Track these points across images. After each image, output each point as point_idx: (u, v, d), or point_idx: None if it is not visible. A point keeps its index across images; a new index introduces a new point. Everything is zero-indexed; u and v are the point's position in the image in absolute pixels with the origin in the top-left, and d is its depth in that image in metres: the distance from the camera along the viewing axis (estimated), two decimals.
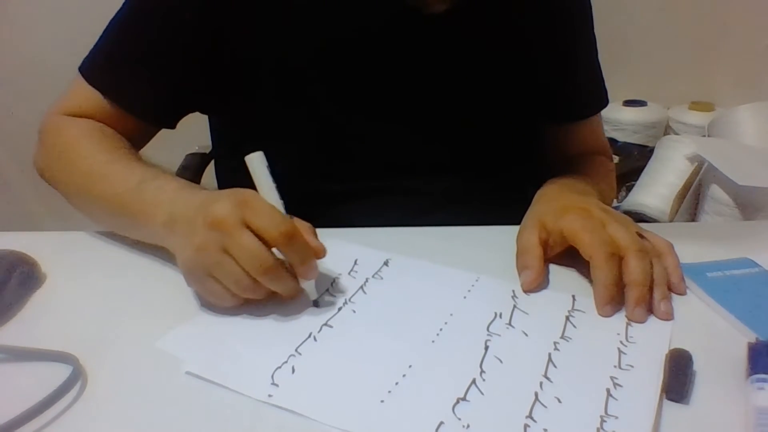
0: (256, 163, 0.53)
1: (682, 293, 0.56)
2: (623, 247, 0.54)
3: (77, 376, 0.44)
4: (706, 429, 0.41)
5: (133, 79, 0.69)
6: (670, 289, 0.55)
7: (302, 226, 0.53)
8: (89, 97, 0.69)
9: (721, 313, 0.53)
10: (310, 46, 0.68)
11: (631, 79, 1.85)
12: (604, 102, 0.86)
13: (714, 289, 0.55)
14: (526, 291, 0.56)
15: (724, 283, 0.56)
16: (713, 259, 0.59)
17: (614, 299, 0.53)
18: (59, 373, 0.44)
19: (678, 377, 0.44)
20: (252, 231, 0.49)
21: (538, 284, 0.56)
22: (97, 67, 0.69)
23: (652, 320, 0.52)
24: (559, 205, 0.62)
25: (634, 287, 0.52)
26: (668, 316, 0.52)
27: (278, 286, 0.51)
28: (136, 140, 0.72)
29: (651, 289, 0.53)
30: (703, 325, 0.52)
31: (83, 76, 0.69)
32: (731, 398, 0.43)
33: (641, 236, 0.57)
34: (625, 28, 1.76)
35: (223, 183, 0.87)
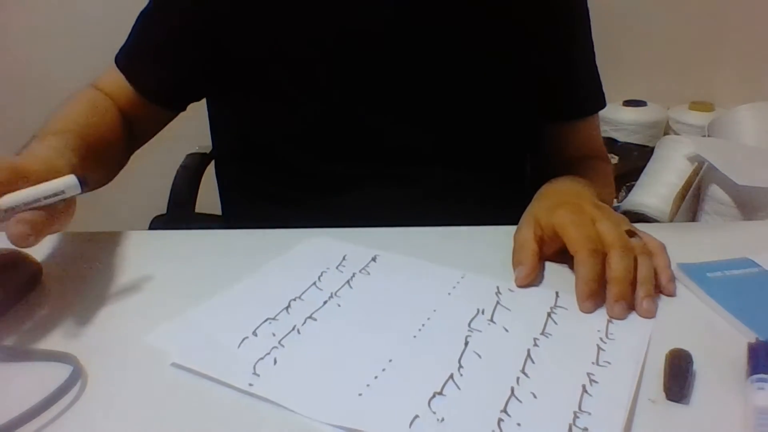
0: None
1: (671, 294, 0.55)
2: (608, 244, 0.54)
3: (77, 376, 0.44)
4: (706, 429, 0.41)
5: (150, 67, 0.76)
6: (660, 290, 0.55)
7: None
8: (115, 79, 0.77)
9: (721, 313, 0.53)
10: (313, 36, 0.70)
11: (631, 79, 1.85)
12: (601, 103, 0.87)
13: (714, 289, 0.55)
14: (520, 286, 0.56)
15: (724, 283, 0.56)
16: (713, 259, 0.59)
17: (594, 295, 0.53)
18: (59, 373, 0.44)
19: (678, 377, 0.44)
20: None
21: (531, 280, 0.57)
22: (124, 54, 0.78)
23: (634, 318, 0.52)
24: (554, 201, 0.63)
25: (614, 284, 0.53)
26: (649, 314, 0.52)
27: None
28: (149, 123, 0.79)
29: (635, 287, 0.53)
30: (703, 325, 0.52)
31: (115, 62, 0.77)
32: (731, 398, 0.43)
33: (634, 234, 0.57)
34: (625, 28, 1.76)
35: (224, 183, 0.88)
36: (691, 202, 1.49)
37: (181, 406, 0.43)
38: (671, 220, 1.51)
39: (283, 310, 0.52)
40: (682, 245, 0.58)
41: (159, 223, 1.04)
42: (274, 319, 0.51)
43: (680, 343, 0.47)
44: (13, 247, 0.58)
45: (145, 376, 0.45)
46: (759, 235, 0.70)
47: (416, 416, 0.41)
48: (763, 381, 0.42)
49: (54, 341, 0.48)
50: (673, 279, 0.56)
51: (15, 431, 0.40)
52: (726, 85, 1.88)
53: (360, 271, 0.58)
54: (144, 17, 0.77)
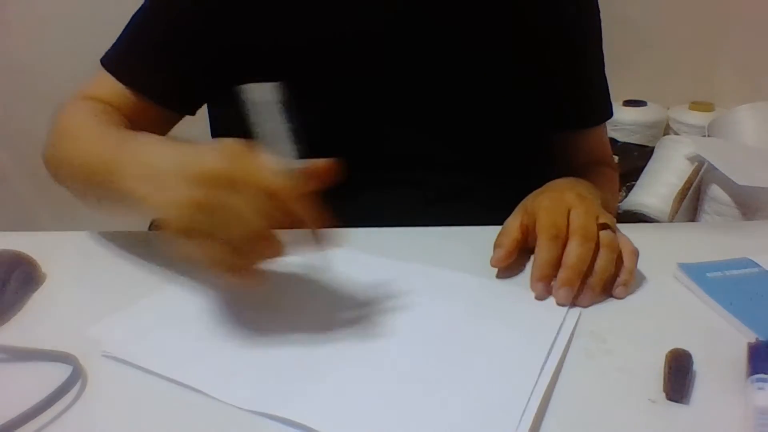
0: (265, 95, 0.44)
1: (618, 297, 0.55)
2: (570, 231, 0.55)
3: (77, 376, 0.44)
4: (706, 429, 0.41)
5: (149, 66, 0.72)
6: (611, 290, 0.55)
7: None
8: (108, 85, 0.72)
9: (721, 313, 0.53)
10: (313, 36, 0.70)
11: (631, 79, 1.84)
12: (608, 113, 0.86)
13: (714, 289, 0.55)
14: (494, 266, 0.58)
15: (724, 283, 0.56)
16: (713, 259, 0.59)
17: (545, 278, 0.54)
18: (59, 373, 0.44)
19: (678, 377, 0.44)
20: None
21: (506, 263, 0.57)
22: (116, 57, 0.73)
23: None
24: (543, 190, 0.64)
25: (564, 269, 0.53)
26: (583, 304, 0.53)
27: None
28: (156, 128, 0.73)
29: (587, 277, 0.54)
30: (703, 325, 0.52)
31: (103, 65, 0.72)
32: (731, 398, 0.43)
33: (607, 227, 0.56)
34: (624, 28, 1.76)
35: None
36: (691, 202, 1.49)
37: (180, 406, 0.43)
38: (671, 220, 1.51)
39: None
40: (682, 245, 0.58)
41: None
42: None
43: (680, 343, 0.47)
44: (12, 247, 0.58)
45: (144, 376, 0.45)
46: (759, 235, 0.70)
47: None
48: (763, 381, 0.42)
49: (54, 341, 0.48)
50: (628, 284, 0.55)
51: (15, 431, 0.40)
52: (726, 85, 1.88)
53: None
54: (138, 18, 0.74)
